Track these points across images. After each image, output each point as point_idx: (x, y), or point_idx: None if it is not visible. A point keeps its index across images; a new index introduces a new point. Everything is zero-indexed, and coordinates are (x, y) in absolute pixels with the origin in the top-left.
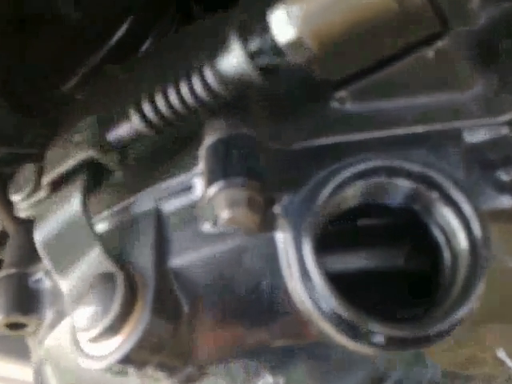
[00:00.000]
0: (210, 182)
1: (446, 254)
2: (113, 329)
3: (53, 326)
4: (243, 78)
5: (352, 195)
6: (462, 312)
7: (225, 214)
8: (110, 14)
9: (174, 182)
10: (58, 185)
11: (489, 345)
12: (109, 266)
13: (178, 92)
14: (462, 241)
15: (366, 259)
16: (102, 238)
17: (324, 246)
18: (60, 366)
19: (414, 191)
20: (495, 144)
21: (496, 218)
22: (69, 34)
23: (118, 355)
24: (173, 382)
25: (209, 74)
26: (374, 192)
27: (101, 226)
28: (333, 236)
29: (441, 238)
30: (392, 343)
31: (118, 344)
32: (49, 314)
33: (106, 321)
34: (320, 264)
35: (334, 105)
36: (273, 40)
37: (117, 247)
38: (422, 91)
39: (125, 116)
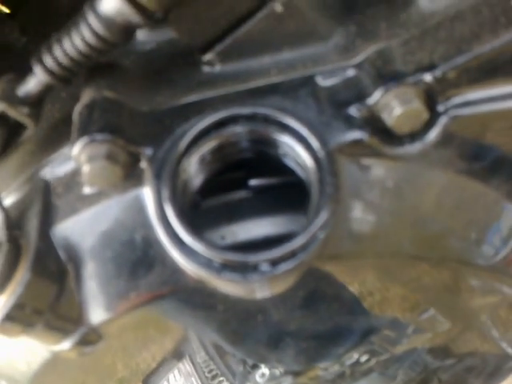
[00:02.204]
0: (74, 141)
1: (307, 187)
2: None
3: None
4: (125, 20)
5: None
6: (308, 233)
7: (85, 168)
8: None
9: (58, 154)
10: None
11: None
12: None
13: (71, 39)
14: (312, 171)
15: (270, 226)
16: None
17: (230, 216)
18: None
19: (256, 133)
20: (346, 85)
21: (346, 151)
22: (15, 57)
23: (1, 313)
24: (69, 344)
25: (93, 20)
26: (233, 141)
27: (9, 199)
28: (235, 206)
29: (301, 173)
30: (275, 264)
31: (2, 303)
32: None
33: None
34: (181, 212)
35: (205, 68)
36: None
37: (15, 219)
38: (285, 46)
39: (31, 70)
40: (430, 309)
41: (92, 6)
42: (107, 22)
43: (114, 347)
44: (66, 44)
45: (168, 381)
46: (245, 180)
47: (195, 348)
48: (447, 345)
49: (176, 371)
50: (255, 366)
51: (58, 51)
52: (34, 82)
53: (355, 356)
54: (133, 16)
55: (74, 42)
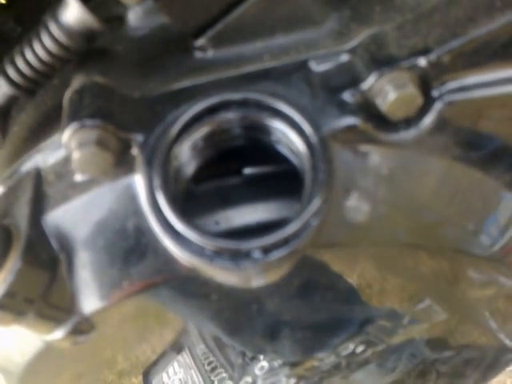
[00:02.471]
0: (64, 127)
1: (300, 174)
2: None
3: None
4: (86, 28)
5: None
6: (301, 220)
7: (75, 155)
8: None
9: (49, 141)
10: None
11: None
12: None
13: (33, 50)
14: (305, 157)
15: (264, 212)
16: None
17: (224, 201)
18: None
19: (248, 119)
20: (340, 70)
21: (339, 137)
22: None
23: None
24: (62, 334)
25: (54, 29)
26: (226, 127)
27: (3, 186)
28: (230, 191)
29: (295, 160)
30: (268, 252)
31: None
32: None
33: None
34: (172, 199)
35: (197, 54)
36: None
37: (5, 208)
38: (278, 31)
39: None
40: (426, 299)
41: (53, 15)
42: (69, 30)
43: (114, 339)
44: (28, 54)
45: (167, 373)
46: (239, 169)
47: (194, 340)
48: (445, 337)
49: (175, 363)
50: (254, 359)
51: (20, 62)
52: None
53: (351, 347)
54: (94, 24)
55: (37, 52)
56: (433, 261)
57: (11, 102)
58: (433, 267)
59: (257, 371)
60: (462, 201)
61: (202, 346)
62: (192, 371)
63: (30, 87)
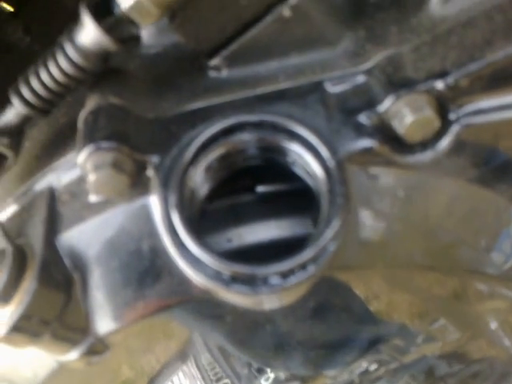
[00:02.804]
0: (79, 149)
1: (316, 196)
2: (4, 299)
3: None
4: (102, 49)
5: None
6: (318, 245)
7: (91, 177)
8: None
9: (63, 161)
10: None
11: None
12: (2, 242)
13: (48, 70)
14: (322, 181)
15: (276, 229)
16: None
17: (236, 218)
18: None
19: (265, 141)
20: (356, 91)
21: (355, 159)
22: (19, 58)
23: (7, 325)
24: (76, 355)
25: (70, 50)
26: (241, 148)
27: (7, 211)
28: (242, 209)
29: (311, 182)
30: (285, 277)
31: (9, 314)
32: None
33: None
34: (188, 221)
35: (212, 73)
36: (123, 12)
37: (18, 227)
38: (293, 52)
39: (9, 102)
40: (441, 318)
41: (69, 36)
42: (85, 51)
43: (119, 350)
44: (43, 75)
45: (172, 382)
46: (251, 186)
47: (200, 350)
48: (455, 351)
49: (180, 373)
50: (260, 370)
51: (35, 82)
52: (13, 113)
53: (364, 365)
54: (111, 46)
55: (52, 73)
56: (444, 279)
57: (25, 121)
58: (443, 285)
59: (263, 382)
60: (475, 220)
61: (208, 356)
62: (198, 381)
63: (44, 107)
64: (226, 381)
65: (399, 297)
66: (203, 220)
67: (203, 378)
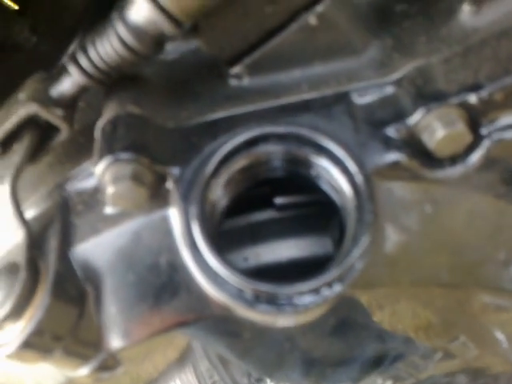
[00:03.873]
0: (97, 160)
1: (341, 212)
2: (16, 314)
3: None
4: (155, 30)
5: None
6: (345, 264)
7: (110, 190)
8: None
9: (77, 170)
10: (7, 145)
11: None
12: (18, 255)
13: (103, 46)
14: (349, 197)
15: (295, 249)
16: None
17: (253, 237)
18: None
19: (291, 154)
20: (384, 103)
21: (383, 173)
22: (25, 58)
23: (18, 341)
24: (87, 371)
25: (122, 29)
26: (264, 160)
27: (27, 214)
28: (259, 227)
29: (336, 197)
30: (310, 296)
31: (21, 329)
32: None
33: (8, 306)
34: (209, 236)
35: (233, 82)
36: None
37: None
38: (317, 60)
39: (65, 70)
40: (461, 336)
41: (121, 14)
42: (137, 31)
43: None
44: (100, 48)
45: None
46: (269, 196)
47: (198, 357)
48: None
49: (178, 381)
50: (260, 380)
51: (93, 53)
52: (69, 82)
53: (379, 382)
54: (164, 25)
55: (106, 49)
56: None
57: (81, 91)
58: (448, 298)
59: None
60: (500, 236)
61: (206, 363)
62: None
63: (102, 79)
64: None
65: (403, 308)
66: (219, 238)
67: None
